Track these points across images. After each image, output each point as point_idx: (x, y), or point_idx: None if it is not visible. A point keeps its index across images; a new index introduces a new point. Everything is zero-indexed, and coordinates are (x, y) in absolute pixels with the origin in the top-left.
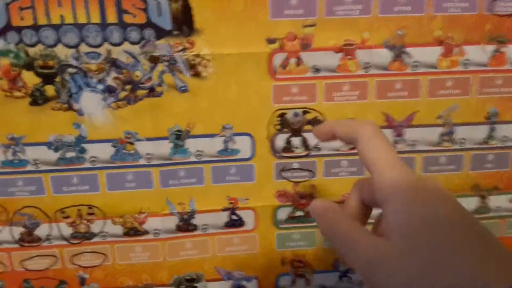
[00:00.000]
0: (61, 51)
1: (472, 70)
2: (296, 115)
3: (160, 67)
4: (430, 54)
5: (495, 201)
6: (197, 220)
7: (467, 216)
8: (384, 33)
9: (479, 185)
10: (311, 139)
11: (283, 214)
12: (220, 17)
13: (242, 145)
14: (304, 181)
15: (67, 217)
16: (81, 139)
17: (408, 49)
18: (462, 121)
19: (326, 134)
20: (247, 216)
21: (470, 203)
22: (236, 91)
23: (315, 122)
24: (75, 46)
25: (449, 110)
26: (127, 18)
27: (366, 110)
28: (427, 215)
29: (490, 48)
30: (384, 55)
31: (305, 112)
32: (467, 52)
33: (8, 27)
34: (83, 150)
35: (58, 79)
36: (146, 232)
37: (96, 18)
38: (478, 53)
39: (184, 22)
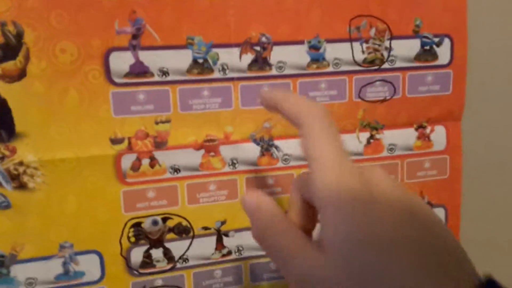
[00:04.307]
0: None
1: None
2: (155, 223)
3: None
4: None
5: None
6: None
7: (414, 234)
8: (249, 126)
9: None
10: (176, 249)
11: None
12: (48, 117)
13: (88, 265)
14: None
15: None
16: None
17: (276, 142)
18: None
19: (269, 105)
20: None
21: None
22: (76, 202)
23: (179, 229)
24: None
25: None
26: None
27: (238, 211)
28: (367, 234)
29: (365, 136)
30: (251, 150)
31: (165, 219)
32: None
33: None
34: None
35: None
36: None
37: None
38: (352, 142)
39: (1, 127)
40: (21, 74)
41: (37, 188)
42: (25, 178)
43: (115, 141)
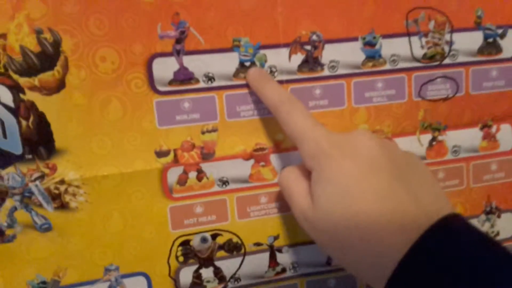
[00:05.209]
0: None
1: None
2: (204, 240)
3: (9, 202)
4: None
5: None
6: None
7: (378, 184)
8: None
9: None
10: (227, 268)
11: None
12: (90, 131)
13: None
14: None
15: None
16: None
17: None
18: None
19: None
20: None
21: None
22: (120, 222)
23: (229, 246)
24: None
25: None
26: None
27: (291, 225)
28: (339, 191)
29: (426, 138)
30: None
31: (215, 236)
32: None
33: None
34: None
35: None
36: None
37: None
38: (413, 144)
39: (40, 143)
40: (60, 85)
41: (79, 207)
42: (67, 198)
43: (160, 154)
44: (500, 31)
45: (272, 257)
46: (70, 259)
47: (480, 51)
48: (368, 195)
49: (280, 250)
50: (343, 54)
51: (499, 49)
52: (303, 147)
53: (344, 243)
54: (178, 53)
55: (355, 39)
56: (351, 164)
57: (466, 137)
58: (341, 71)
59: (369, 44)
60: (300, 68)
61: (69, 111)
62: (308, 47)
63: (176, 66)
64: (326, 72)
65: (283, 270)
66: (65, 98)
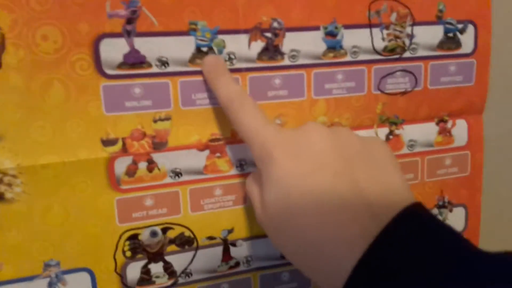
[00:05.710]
0: None
1: None
2: (153, 234)
3: None
4: None
5: None
6: None
7: (319, 186)
8: None
9: None
10: (177, 263)
11: None
12: (29, 116)
13: (78, 285)
14: None
15: None
16: None
17: None
18: None
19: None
20: None
21: None
22: (62, 214)
23: (181, 240)
24: None
25: None
26: None
27: (246, 217)
28: (281, 193)
29: (383, 132)
30: None
31: (166, 230)
32: None
33: None
34: None
35: None
36: None
37: None
38: None
39: None
40: None
41: (16, 199)
42: (2, 188)
43: (107, 143)
44: (460, 26)
45: (226, 251)
46: (5, 254)
47: (440, 45)
48: (307, 196)
49: (234, 244)
50: (304, 44)
51: (458, 44)
52: (252, 149)
53: (292, 249)
54: (128, 34)
55: (316, 28)
56: (293, 164)
57: (422, 132)
58: (301, 61)
59: (331, 34)
60: (260, 56)
61: (6, 94)
62: (269, 35)
63: (126, 48)
64: (286, 61)
65: (237, 264)
66: (1, 79)
